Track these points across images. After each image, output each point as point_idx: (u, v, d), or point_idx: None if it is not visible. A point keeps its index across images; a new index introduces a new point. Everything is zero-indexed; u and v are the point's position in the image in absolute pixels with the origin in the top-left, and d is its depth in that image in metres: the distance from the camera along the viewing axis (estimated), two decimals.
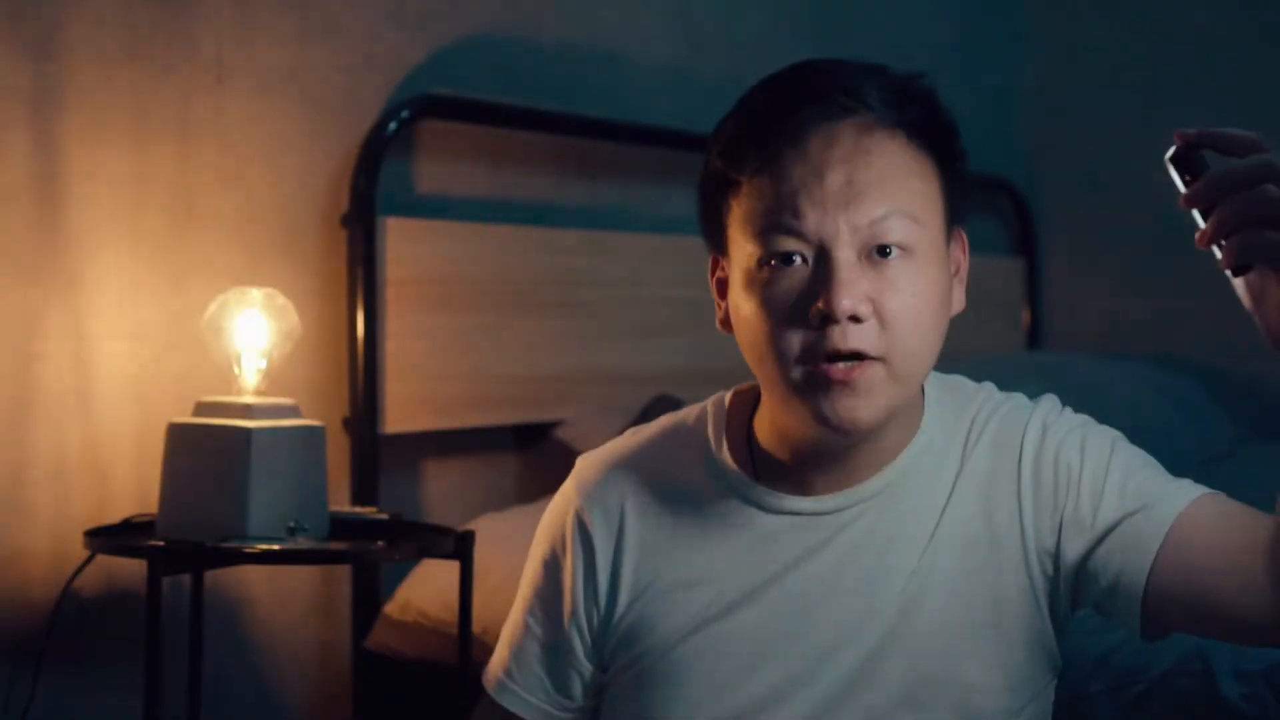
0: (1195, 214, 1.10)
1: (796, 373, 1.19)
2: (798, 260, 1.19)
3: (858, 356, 1.17)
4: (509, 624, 1.39)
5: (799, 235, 1.19)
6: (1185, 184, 1.10)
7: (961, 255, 1.29)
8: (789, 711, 1.24)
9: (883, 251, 1.19)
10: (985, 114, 3.67)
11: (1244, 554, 1.18)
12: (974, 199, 1.24)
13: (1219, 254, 1.09)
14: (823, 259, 1.18)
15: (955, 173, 1.26)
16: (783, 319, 1.19)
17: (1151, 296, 3.70)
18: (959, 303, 1.28)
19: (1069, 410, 1.31)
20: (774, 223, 1.19)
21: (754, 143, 1.21)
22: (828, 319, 1.17)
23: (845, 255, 1.18)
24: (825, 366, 1.18)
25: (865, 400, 1.18)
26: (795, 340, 1.19)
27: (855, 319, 1.17)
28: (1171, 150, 1.11)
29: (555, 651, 1.34)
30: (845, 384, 1.18)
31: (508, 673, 1.37)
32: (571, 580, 1.32)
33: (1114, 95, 3.75)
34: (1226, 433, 3.27)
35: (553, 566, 1.34)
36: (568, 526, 1.33)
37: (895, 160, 1.20)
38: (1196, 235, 1.09)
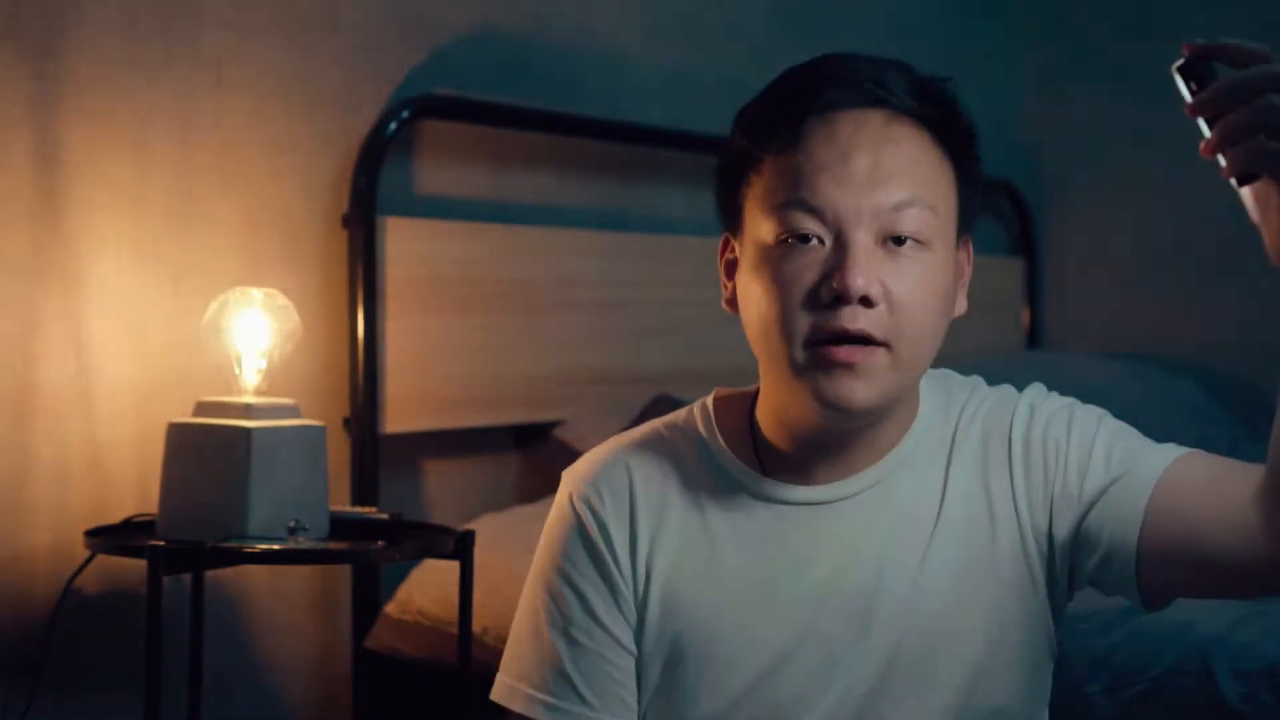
0: (1202, 123, 1.09)
1: (802, 353, 1.20)
2: (814, 241, 1.20)
3: (863, 339, 1.18)
4: (537, 651, 1.30)
5: (818, 214, 1.20)
6: (1192, 94, 1.11)
7: (966, 263, 1.30)
8: (816, 707, 1.25)
9: (898, 240, 1.20)
10: (985, 114, 3.66)
11: (1235, 502, 1.18)
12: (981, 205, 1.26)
13: (1223, 162, 1.09)
14: (839, 240, 1.19)
15: (970, 177, 1.28)
16: (793, 298, 1.20)
17: (1151, 296, 3.69)
18: (961, 306, 1.30)
19: (1055, 393, 1.33)
20: (795, 199, 1.20)
21: (783, 120, 1.22)
22: (840, 299, 1.18)
23: (862, 238, 1.19)
24: (830, 349, 1.19)
25: (865, 383, 1.19)
26: (804, 321, 1.20)
27: (867, 301, 1.18)
28: (1180, 60, 1.12)
29: (607, 650, 1.28)
30: (848, 366, 1.19)
31: (573, 689, 1.28)
32: (603, 562, 1.28)
33: (1114, 95, 3.75)
34: (1226, 433, 3.27)
35: (580, 560, 1.29)
36: (581, 514, 1.30)
37: (918, 152, 1.22)
38: (1201, 144, 1.08)
